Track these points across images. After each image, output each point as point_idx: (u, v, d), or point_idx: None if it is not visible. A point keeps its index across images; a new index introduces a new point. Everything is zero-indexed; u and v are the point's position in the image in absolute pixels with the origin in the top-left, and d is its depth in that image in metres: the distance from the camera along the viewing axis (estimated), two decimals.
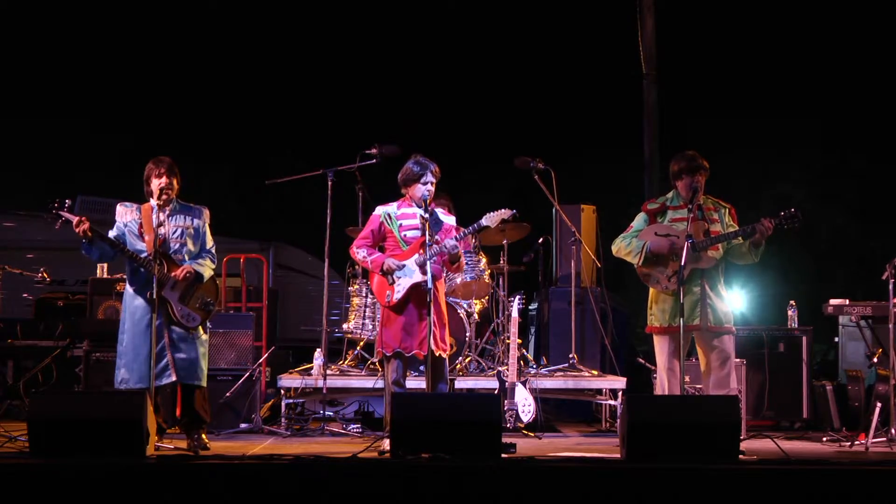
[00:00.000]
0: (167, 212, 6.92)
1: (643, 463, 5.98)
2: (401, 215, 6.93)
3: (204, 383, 6.96)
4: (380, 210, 7.00)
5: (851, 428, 8.10)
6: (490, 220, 6.85)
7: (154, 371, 6.66)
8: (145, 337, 6.74)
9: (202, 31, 13.08)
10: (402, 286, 6.83)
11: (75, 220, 6.68)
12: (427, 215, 6.80)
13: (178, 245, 6.93)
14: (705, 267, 7.03)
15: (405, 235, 6.90)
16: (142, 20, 12.90)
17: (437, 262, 6.85)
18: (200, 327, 6.95)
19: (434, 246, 6.75)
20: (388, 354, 6.90)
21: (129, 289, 6.91)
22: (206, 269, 6.97)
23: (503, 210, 6.85)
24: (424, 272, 6.69)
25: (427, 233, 6.75)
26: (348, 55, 13.15)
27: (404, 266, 6.83)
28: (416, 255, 6.81)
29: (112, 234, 6.91)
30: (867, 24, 11.94)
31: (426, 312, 6.68)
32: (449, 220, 7.07)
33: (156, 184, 6.90)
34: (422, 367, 6.82)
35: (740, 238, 6.99)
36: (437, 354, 6.83)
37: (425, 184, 6.85)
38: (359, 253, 6.96)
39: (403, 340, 6.82)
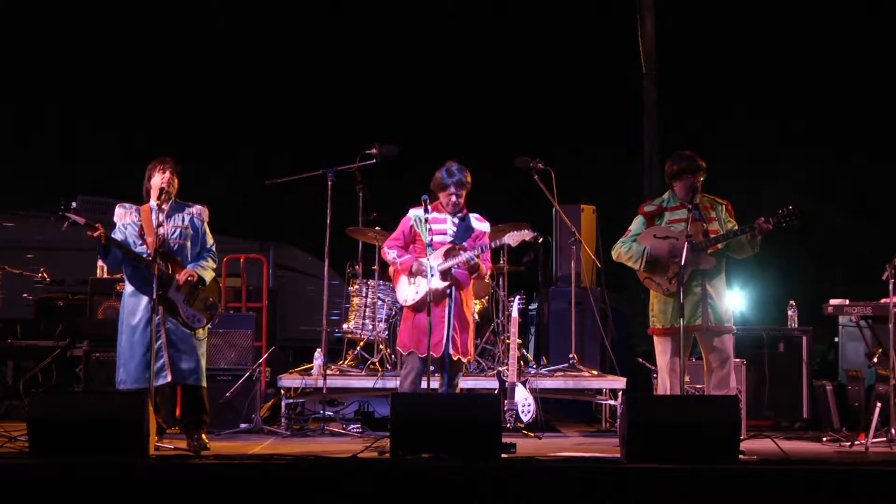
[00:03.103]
0: (166, 211, 6.91)
1: (643, 463, 5.98)
2: (432, 220, 6.96)
3: (204, 383, 6.96)
4: (411, 213, 7.08)
5: (851, 428, 8.09)
6: (512, 238, 6.98)
7: (152, 371, 6.66)
8: (143, 337, 6.74)
9: (202, 31, 13.08)
10: (421, 289, 6.89)
11: (83, 221, 6.66)
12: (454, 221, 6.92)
13: (177, 245, 6.92)
14: (705, 267, 7.03)
15: (432, 240, 6.94)
16: (141, 19, 12.89)
17: (463, 269, 6.90)
18: (202, 328, 6.95)
19: (461, 254, 6.84)
20: (404, 354, 6.98)
21: (128, 288, 6.91)
22: (209, 271, 6.98)
23: (526, 231, 7.02)
24: (445, 278, 6.80)
25: (426, 238, 6.83)
26: (348, 55, 13.15)
27: (430, 269, 6.89)
28: (439, 261, 6.86)
29: (117, 237, 6.90)
30: (867, 22, 11.94)
31: (444, 315, 6.79)
32: (482, 226, 7.11)
33: (157, 179, 6.90)
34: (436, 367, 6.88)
35: (738, 237, 6.99)
36: (456, 359, 6.90)
37: (450, 195, 6.95)
38: (389, 254, 7.04)
39: (420, 342, 6.87)
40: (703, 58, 12.15)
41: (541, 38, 12.83)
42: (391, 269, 7.21)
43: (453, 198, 6.95)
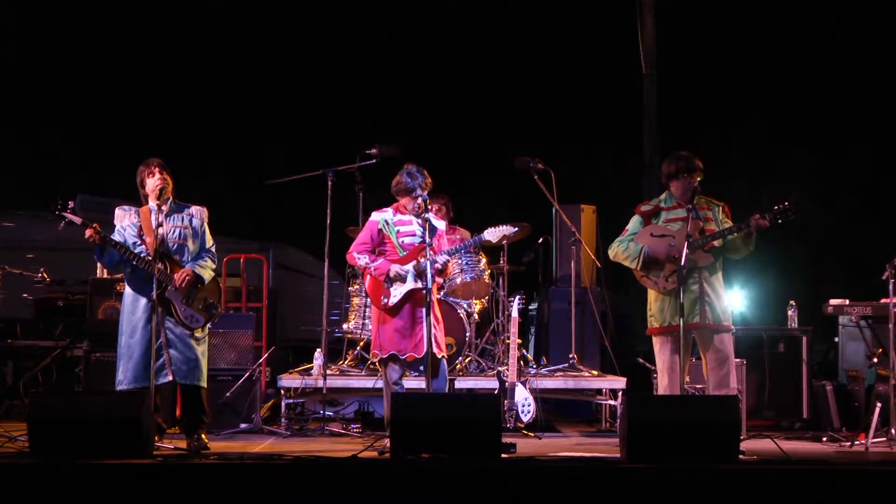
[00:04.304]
0: (165, 212, 6.91)
1: (643, 463, 5.98)
2: (397, 222, 7.05)
3: (204, 383, 6.95)
4: (377, 216, 7.09)
5: (851, 428, 8.09)
6: (492, 234, 7.04)
7: (153, 370, 6.66)
8: (142, 337, 6.74)
9: (201, 30, 13.08)
10: (399, 291, 6.90)
11: (79, 221, 6.66)
12: (424, 221, 6.91)
13: (176, 245, 6.92)
14: (702, 265, 7.03)
15: (402, 242, 7.01)
16: (140, 19, 12.90)
17: (433, 268, 6.91)
18: (200, 328, 6.94)
19: (431, 255, 6.83)
20: (383, 357, 6.96)
21: (127, 289, 6.90)
22: (207, 270, 6.96)
23: (505, 227, 7.04)
24: (423, 279, 6.79)
25: (426, 240, 6.85)
26: (348, 54, 13.15)
27: (408, 272, 6.89)
28: (414, 262, 6.90)
29: (116, 238, 6.89)
30: (866, 23, 11.95)
31: (422, 315, 6.80)
32: (440, 224, 7.17)
33: (150, 183, 6.91)
34: (422, 367, 6.87)
35: (734, 234, 7.00)
36: (440, 356, 6.92)
37: (416, 198, 6.96)
38: (360, 259, 7.04)
39: (399, 343, 6.90)
40: (704, 58, 12.16)
41: (541, 37, 12.84)
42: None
43: (419, 199, 6.97)
